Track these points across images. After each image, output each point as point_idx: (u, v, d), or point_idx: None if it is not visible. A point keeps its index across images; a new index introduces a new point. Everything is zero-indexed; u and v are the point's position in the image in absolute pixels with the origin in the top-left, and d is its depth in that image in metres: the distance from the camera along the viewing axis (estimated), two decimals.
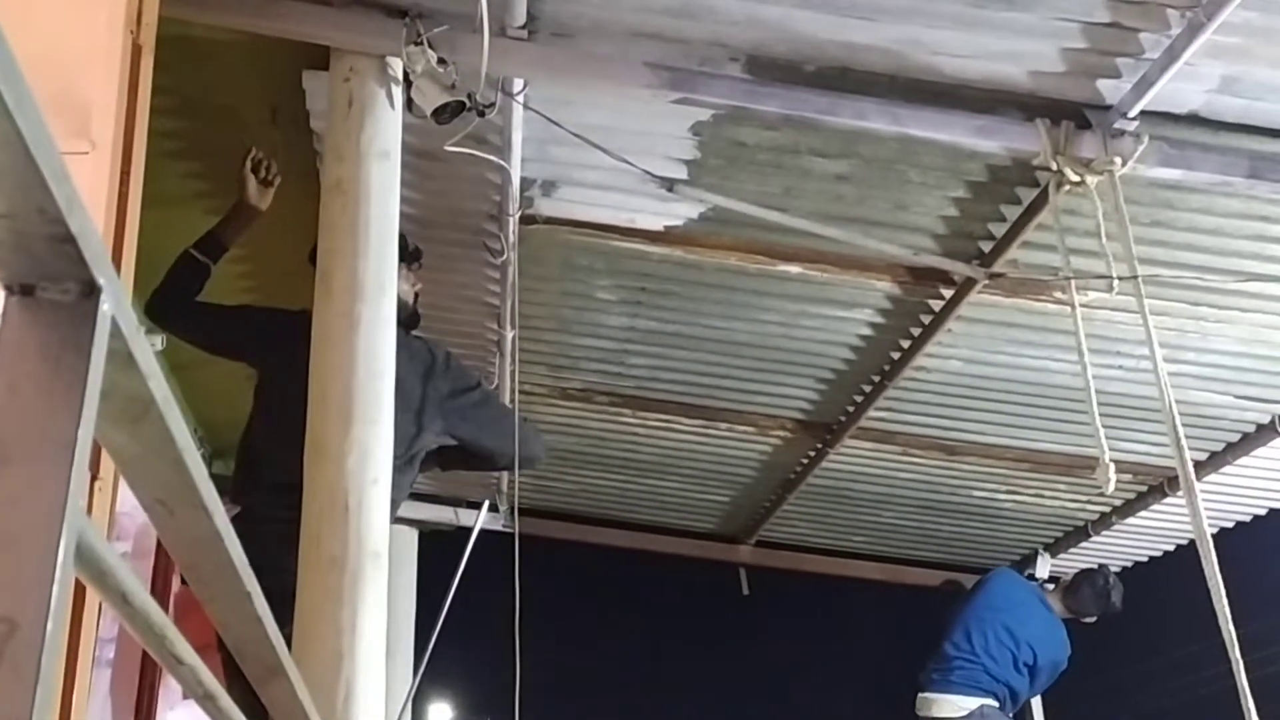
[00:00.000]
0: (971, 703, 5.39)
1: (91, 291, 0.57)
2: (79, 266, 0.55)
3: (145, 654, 4.65)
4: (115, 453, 0.76)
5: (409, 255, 3.15)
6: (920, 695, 5.49)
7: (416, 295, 3.26)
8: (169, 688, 4.71)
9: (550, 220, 3.69)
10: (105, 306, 0.57)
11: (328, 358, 2.60)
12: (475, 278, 3.98)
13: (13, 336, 0.57)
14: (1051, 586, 5.82)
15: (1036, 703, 6.12)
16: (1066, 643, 5.54)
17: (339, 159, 2.73)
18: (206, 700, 0.94)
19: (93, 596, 1.77)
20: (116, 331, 0.59)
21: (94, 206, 1.91)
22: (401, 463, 2.95)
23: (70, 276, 0.56)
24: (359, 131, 2.72)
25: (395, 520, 3.01)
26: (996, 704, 5.42)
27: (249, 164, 3.08)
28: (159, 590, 4.66)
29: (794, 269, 3.85)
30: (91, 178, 1.93)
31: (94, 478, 1.69)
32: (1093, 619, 5.65)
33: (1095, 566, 5.72)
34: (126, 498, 1.40)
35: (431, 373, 3.11)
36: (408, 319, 3.12)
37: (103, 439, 0.74)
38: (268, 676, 1.39)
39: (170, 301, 3.06)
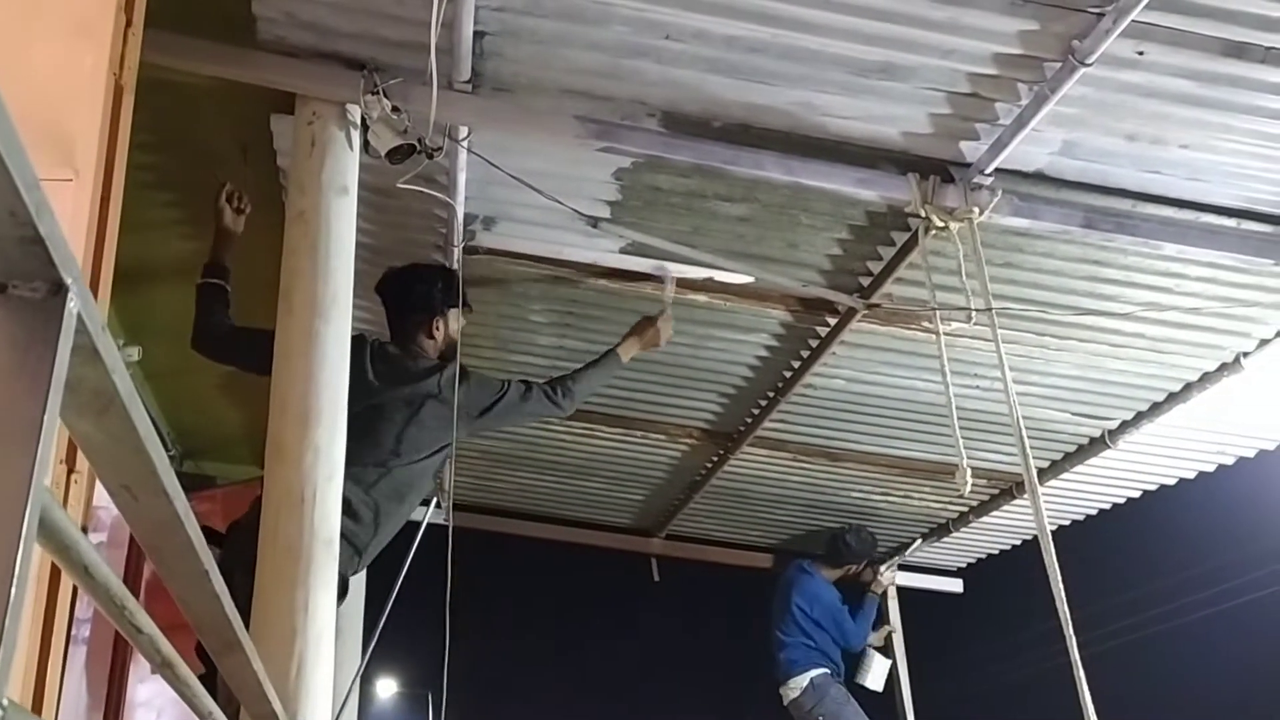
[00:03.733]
0: (803, 679, 5.62)
1: (59, 290, 0.54)
2: (48, 267, 0.53)
3: (118, 632, 4.52)
4: (82, 442, 0.73)
5: (466, 304, 3.39)
6: (779, 690, 5.71)
7: (459, 331, 3.39)
8: (139, 664, 4.57)
9: (490, 251, 3.65)
10: (72, 304, 0.55)
11: (288, 368, 2.55)
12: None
13: None
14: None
15: (903, 671, 6.17)
16: (836, 598, 5.83)
17: (302, 193, 2.68)
18: (164, 667, 0.90)
19: (68, 577, 1.71)
20: (82, 328, 0.57)
21: (76, 230, 1.85)
22: (425, 461, 3.16)
23: (39, 276, 0.54)
24: (320, 169, 2.68)
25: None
26: (825, 670, 5.60)
27: (224, 196, 3.08)
28: (131, 577, 4.51)
29: (701, 297, 3.86)
30: (74, 204, 1.87)
31: (70, 470, 1.63)
32: (859, 564, 5.91)
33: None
34: (103, 492, 1.35)
35: (465, 401, 3.20)
36: (452, 353, 3.31)
37: (71, 428, 0.71)
38: (225, 650, 1.35)
39: (207, 330, 3.05)
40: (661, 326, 3.61)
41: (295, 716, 2.15)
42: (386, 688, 19.83)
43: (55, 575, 1.66)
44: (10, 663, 0.48)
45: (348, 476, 2.93)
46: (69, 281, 0.54)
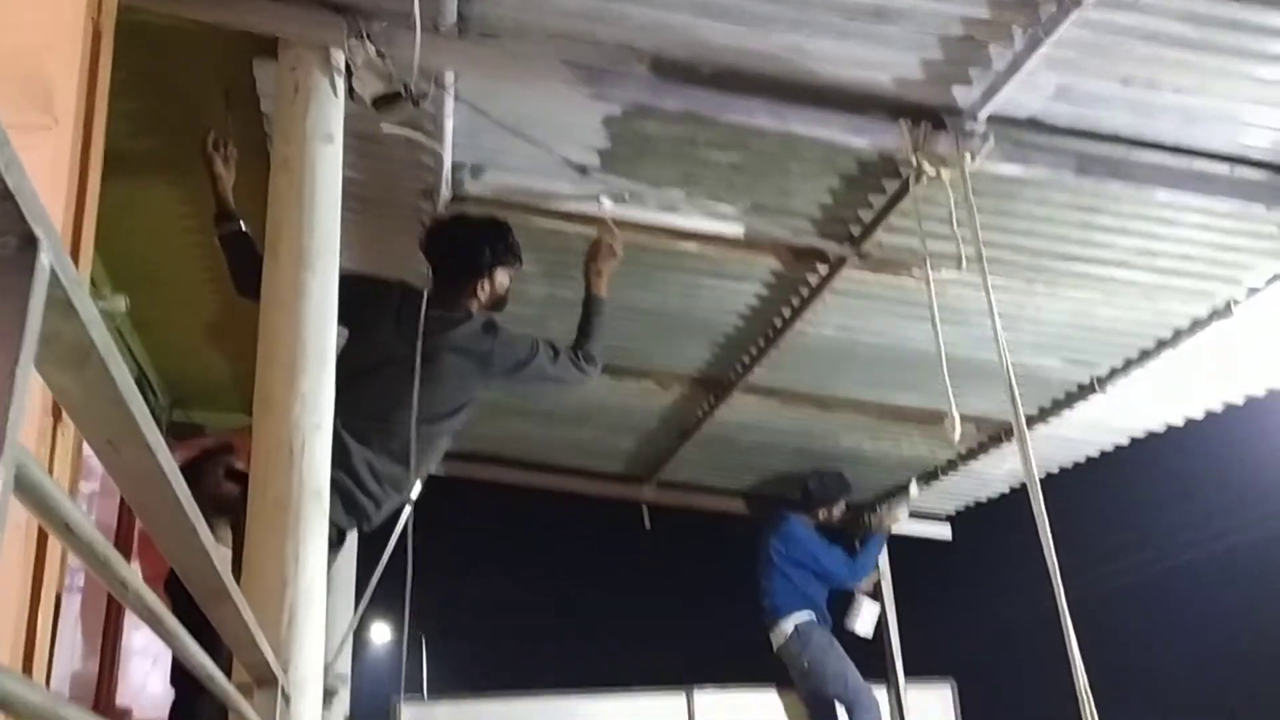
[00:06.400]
0: (788, 624, 5.68)
1: (30, 244, 0.53)
2: (17, 221, 0.52)
3: None
4: (61, 396, 0.72)
5: (518, 259, 3.35)
6: (769, 636, 5.78)
7: (508, 288, 3.37)
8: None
9: (478, 200, 3.63)
10: (44, 258, 0.54)
11: (276, 318, 2.53)
12: (411, 249, 3.90)
13: None
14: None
15: (892, 616, 6.24)
16: (813, 536, 5.85)
17: (286, 140, 2.64)
18: (154, 622, 0.90)
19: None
20: (56, 281, 0.56)
21: (57, 177, 1.83)
22: (443, 423, 3.13)
23: (9, 230, 0.53)
24: (304, 116, 2.64)
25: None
26: (809, 613, 5.64)
27: (209, 144, 3.06)
28: (124, 527, 4.53)
29: (691, 246, 3.84)
30: (54, 151, 1.84)
31: (56, 421, 1.62)
32: (831, 507, 5.90)
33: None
34: None
35: (491, 356, 3.19)
36: (497, 306, 3.31)
37: (49, 383, 0.71)
38: (214, 600, 1.36)
39: (246, 272, 2.93)
40: (606, 241, 3.51)
41: (288, 665, 2.16)
42: (380, 633, 20.06)
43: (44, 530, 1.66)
44: None
45: (349, 431, 2.90)
46: (40, 234, 0.53)
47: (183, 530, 1.01)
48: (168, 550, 1.04)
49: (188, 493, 0.95)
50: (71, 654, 4.32)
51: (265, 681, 1.95)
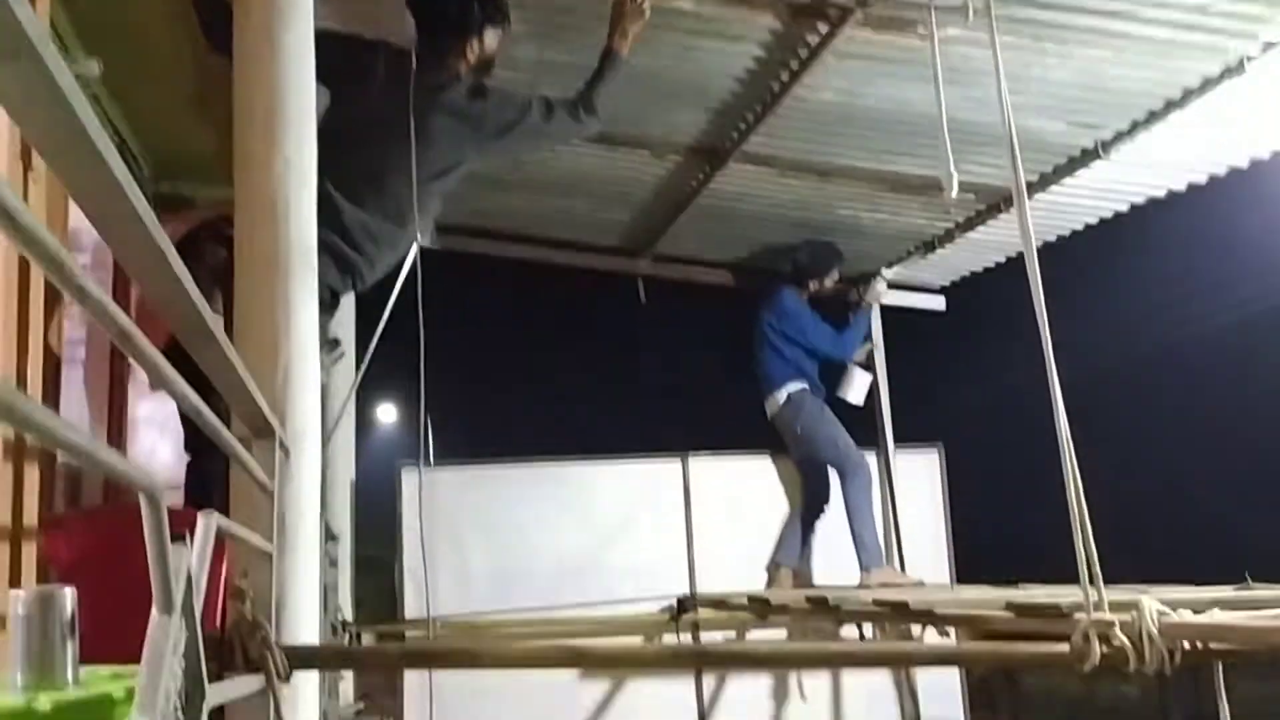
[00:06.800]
0: (781, 394, 5.87)
1: None
2: None
3: (113, 350, 4.58)
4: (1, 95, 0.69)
5: (506, 19, 3.31)
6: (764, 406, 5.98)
7: (496, 50, 3.32)
8: (137, 381, 4.69)
9: None
10: None
11: (252, 76, 2.45)
12: (392, 6, 3.74)
13: None
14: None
15: (883, 385, 6.37)
16: (804, 310, 5.95)
17: None
18: (123, 340, 0.90)
19: (36, 287, 1.70)
20: None
21: None
22: (433, 183, 3.15)
23: None
24: None
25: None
26: (801, 384, 5.84)
27: None
28: (119, 302, 4.54)
29: (685, 4, 3.68)
30: None
31: (27, 169, 1.58)
32: (822, 278, 5.97)
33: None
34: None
35: (483, 119, 3.20)
36: (485, 67, 3.28)
37: None
38: (199, 341, 1.36)
39: (214, 32, 2.88)
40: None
41: (284, 419, 2.21)
42: (386, 413, 20.59)
43: (24, 292, 1.65)
44: None
45: (341, 192, 2.90)
46: None
47: (153, 257, 1.00)
48: (139, 276, 1.03)
49: (154, 218, 0.93)
50: (79, 424, 4.42)
51: (263, 433, 2.00)
